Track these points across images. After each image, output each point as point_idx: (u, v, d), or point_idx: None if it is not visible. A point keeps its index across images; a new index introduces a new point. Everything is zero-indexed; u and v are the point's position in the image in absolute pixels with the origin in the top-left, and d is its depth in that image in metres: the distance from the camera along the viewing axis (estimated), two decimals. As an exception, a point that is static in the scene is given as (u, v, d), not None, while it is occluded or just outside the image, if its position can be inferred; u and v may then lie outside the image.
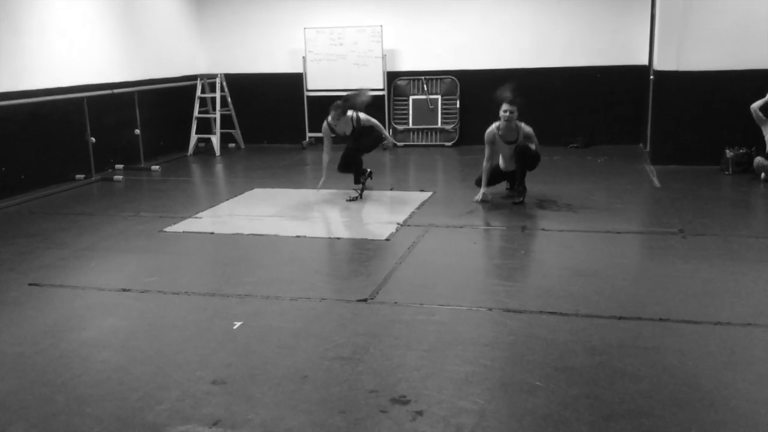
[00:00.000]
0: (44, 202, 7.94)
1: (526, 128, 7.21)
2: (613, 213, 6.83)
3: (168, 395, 3.44)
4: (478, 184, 7.43)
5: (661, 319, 4.21)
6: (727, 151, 8.54)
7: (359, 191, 7.71)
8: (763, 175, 8.00)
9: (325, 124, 7.74)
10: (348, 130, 7.69)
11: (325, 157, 7.86)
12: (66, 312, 4.62)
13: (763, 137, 8.29)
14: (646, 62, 10.41)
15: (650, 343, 3.90)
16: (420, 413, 3.21)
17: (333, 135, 7.76)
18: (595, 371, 3.58)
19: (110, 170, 9.78)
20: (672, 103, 8.96)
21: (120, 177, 9.26)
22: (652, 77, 9.48)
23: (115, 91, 9.68)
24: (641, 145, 10.63)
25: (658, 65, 9.04)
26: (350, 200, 7.55)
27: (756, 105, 8.24)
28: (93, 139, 9.19)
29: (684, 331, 4.05)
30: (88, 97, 9.10)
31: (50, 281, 5.21)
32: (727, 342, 3.90)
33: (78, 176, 9.09)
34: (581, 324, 4.19)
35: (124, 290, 4.96)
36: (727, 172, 8.49)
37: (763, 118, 8.24)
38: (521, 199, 7.20)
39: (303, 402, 3.35)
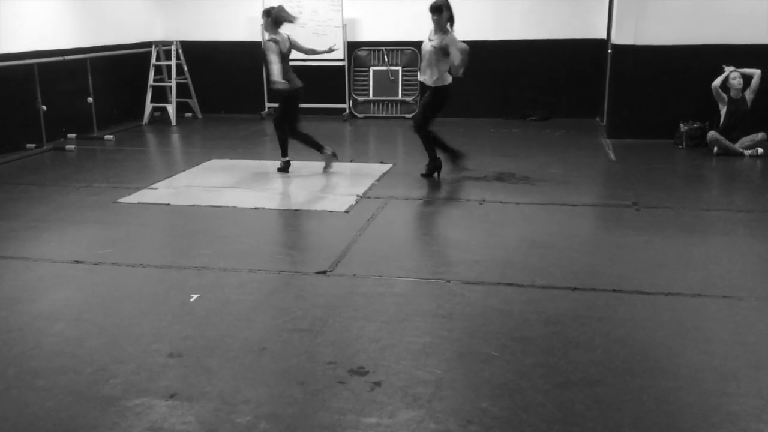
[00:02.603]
0: (-7, 172, 7.73)
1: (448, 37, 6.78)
2: (570, 186, 6.92)
3: (123, 368, 3.40)
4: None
5: (614, 290, 4.29)
6: (682, 125, 8.69)
7: (331, 155, 7.52)
8: (715, 149, 8.17)
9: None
10: (285, 47, 7.26)
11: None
12: (17, 284, 4.52)
13: (717, 112, 8.45)
14: (604, 36, 10.48)
15: (603, 314, 3.98)
16: (378, 384, 3.23)
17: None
18: (549, 341, 3.64)
19: (62, 139, 9.53)
20: (628, 78, 9.07)
21: (72, 146, 9.03)
22: (609, 51, 9.56)
23: (67, 57, 9.39)
24: (598, 118, 10.75)
25: (615, 39, 9.12)
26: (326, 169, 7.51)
27: (716, 83, 8.39)
28: (44, 107, 8.92)
29: (636, 301, 4.15)
30: (39, 64, 8.82)
31: (0, 253, 5.08)
32: (677, 312, 4.00)
33: (29, 145, 8.83)
34: (537, 295, 4.25)
35: (78, 262, 4.87)
36: (681, 146, 8.65)
37: (723, 95, 8.40)
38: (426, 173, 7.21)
39: (261, 374, 3.35)
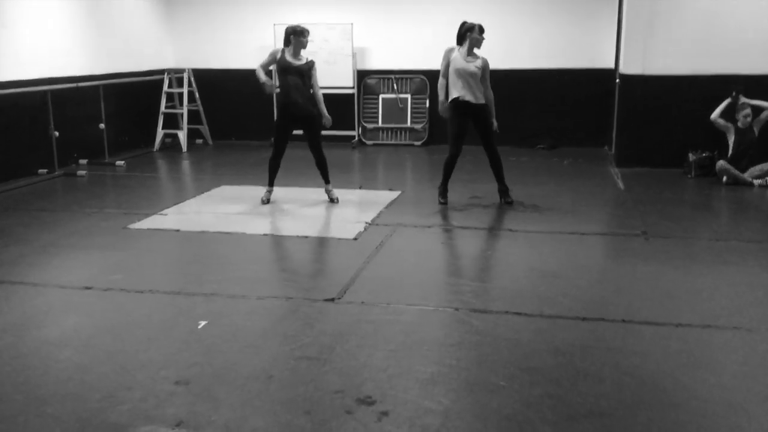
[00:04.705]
0: (5, 197, 7.78)
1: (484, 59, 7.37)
2: (578, 215, 6.92)
3: (131, 395, 3.40)
4: (443, 193, 7.38)
5: (623, 321, 4.27)
6: (690, 154, 8.69)
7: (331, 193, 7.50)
8: (724, 178, 8.16)
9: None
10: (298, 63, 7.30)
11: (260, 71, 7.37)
12: (26, 310, 4.54)
13: (725, 141, 8.46)
14: (612, 66, 10.54)
15: (612, 344, 3.95)
16: (385, 414, 3.22)
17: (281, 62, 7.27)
18: (558, 372, 3.62)
19: (74, 165, 9.61)
20: (637, 107, 9.10)
21: (84, 172, 9.11)
22: (617, 81, 9.61)
23: (80, 84, 9.51)
24: (606, 147, 10.77)
25: (623, 69, 9.17)
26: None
27: (715, 115, 8.43)
28: (56, 133, 9.01)
29: (645, 332, 4.12)
30: (52, 91, 8.93)
31: (10, 278, 5.11)
32: (687, 343, 3.98)
33: (41, 171, 8.91)
34: (545, 325, 4.23)
35: (87, 288, 4.89)
36: (689, 176, 8.64)
37: (725, 123, 8.41)
38: (510, 199, 7.30)
39: (268, 402, 3.34)
